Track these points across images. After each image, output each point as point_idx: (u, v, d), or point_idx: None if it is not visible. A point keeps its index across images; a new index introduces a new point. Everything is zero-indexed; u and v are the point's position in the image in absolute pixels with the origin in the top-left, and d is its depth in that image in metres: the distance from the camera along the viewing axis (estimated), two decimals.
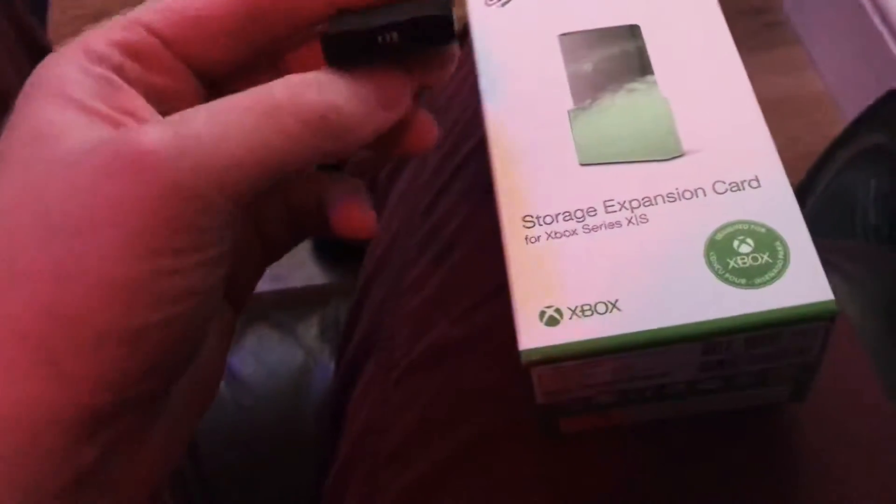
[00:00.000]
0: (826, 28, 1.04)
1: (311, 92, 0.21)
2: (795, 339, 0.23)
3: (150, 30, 0.23)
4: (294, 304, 0.46)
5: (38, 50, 0.44)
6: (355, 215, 0.25)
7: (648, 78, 0.27)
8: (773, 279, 0.22)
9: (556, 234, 0.24)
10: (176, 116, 0.21)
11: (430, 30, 0.23)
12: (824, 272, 0.23)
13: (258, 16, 0.23)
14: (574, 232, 0.24)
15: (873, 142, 0.70)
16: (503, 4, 0.29)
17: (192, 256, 0.20)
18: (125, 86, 0.22)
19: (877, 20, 0.95)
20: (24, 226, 0.19)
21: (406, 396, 0.32)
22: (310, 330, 0.45)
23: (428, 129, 0.25)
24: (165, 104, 0.23)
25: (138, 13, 0.23)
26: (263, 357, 0.43)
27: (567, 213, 0.24)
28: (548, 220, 0.24)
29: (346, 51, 0.23)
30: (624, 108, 0.26)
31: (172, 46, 0.23)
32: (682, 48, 0.27)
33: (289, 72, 0.25)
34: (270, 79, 0.24)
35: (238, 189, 0.20)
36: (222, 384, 0.42)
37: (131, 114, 0.21)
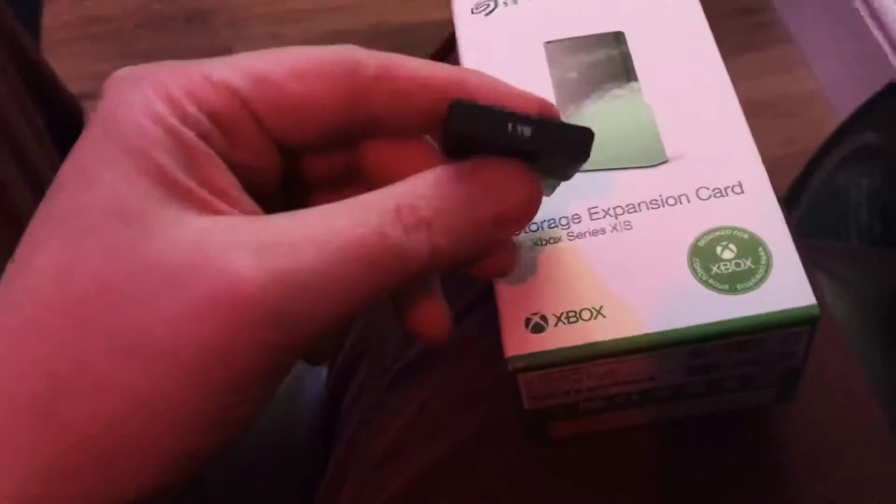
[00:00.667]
0: (818, 27, 1.04)
1: (421, 239, 0.20)
2: (779, 343, 0.23)
3: (243, 100, 0.20)
4: None
5: (28, 64, 0.44)
6: (434, 316, 0.24)
7: (633, 85, 0.27)
8: (756, 285, 0.23)
9: (541, 241, 0.24)
10: (277, 236, 0.19)
11: (568, 137, 0.20)
12: (810, 275, 0.23)
13: (358, 118, 0.21)
14: (559, 239, 0.24)
15: (865, 141, 0.70)
16: (489, 13, 0.29)
17: (258, 393, 0.19)
18: (215, 157, 0.20)
19: (868, 19, 0.95)
20: (103, 331, 0.18)
21: (397, 401, 0.32)
22: None
23: (438, 321, 0.24)
24: (245, 177, 0.21)
25: (229, 74, 0.20)
26: None
27: (552, 221, 0.25)
28: (533, 227, 0.25)
29: (471, 124, 0.20)
30: (608, 115, 0.27)
31: (262, 123, 0.21)
32: (665, 55, 0.28)
33: (370, 157, 0.23)
34: (350, 157, 0.23)
35: (323, 334, 0.19)
36: None
37: (221, 194, 0.20)
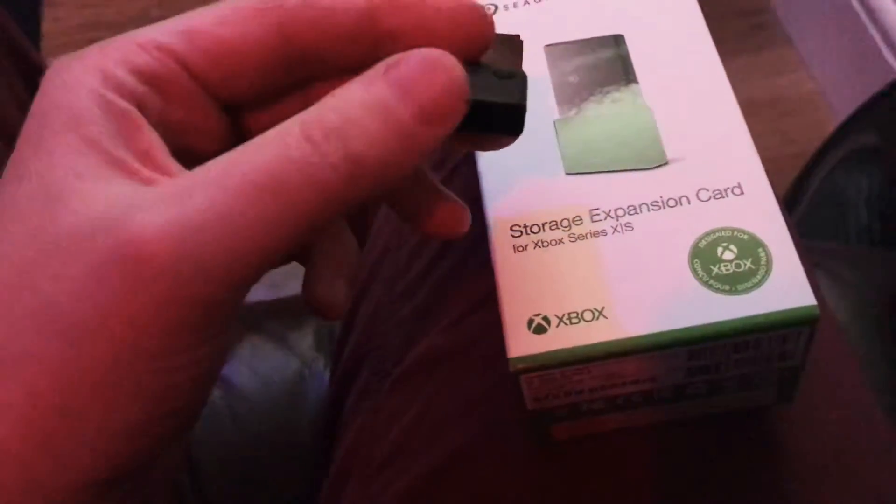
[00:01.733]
0: (816, 28, 1.05)
1: (332, 149, 0.19)
2: (779, 343, 0.23)
3: (175, 57, 0.21)
4: (288, 313, 0.46)
5: (31, 69, 0.44)
6: (321, 293, 0.24)
7: (633, 87, 0.27)
8: (756, 285, 0.23)
9: (543, 242, 0.25)
10: (178, 187, 0.18)
11: (501, 118, 0.21)
12: (810, 276, 0.23)
13: (292, 55, 0.21)
14: (560, 241, 0.24)
15: (864, 142, 0.70)
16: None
17: (191, 354, 0.19)
18: (146, 126, 0.20)
19: (866, 20, 0.95)
20: (25, 311, 0.18)
21: (398, 405, 0.32)
22: (304, 339, 0.45)
23: (458, 215, 0.24)
24: (184, 138, 0.21)
25: (159, 35, 0.21)
26: (258, 367, 0.43)
27: (553, 223, 0.25)
28: (535, 229, 0.25)
29: None
30: (609, 117, 0.27)
31: (198, 77, 0.21)
32: (665, 57, 0.28)
33: (320, 98, 0.23)
34: (302, 104, 0.22)
35: (246, 279, 0.19)
36: (217, 394, 0.42)
37: (151, 161, 0.20)
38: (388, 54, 0.21)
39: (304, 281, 0.25)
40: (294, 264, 0.27)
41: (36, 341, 0.18)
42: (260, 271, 0.19)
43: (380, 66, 0.20)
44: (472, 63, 0.21)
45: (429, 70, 0.19)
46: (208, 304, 0.18)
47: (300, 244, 0.19)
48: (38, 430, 0.18)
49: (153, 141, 0.20)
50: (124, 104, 0.20)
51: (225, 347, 0.20)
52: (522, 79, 0.21)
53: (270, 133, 0.19)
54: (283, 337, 0.45)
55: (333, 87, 0.22)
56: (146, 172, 0.19)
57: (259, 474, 0.41)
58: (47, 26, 0.94)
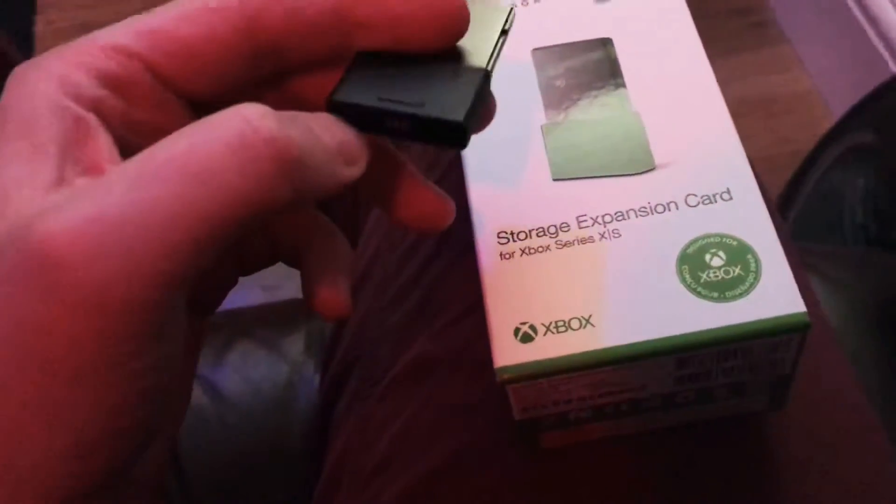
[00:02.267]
0: (812, 27, 1.04)
1: (261, 139, 0.18)
2: (769, 351, 0.23)
3: (135, 56, 0.20)
4: (278, 319, 0.46)
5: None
6: (326, 294, 0.23)
7: (621, 92, 0.27)
8: (745, 292, 0.23)
9: (529, 249, 0.24)
10: (95, 185, 0.17)
11: (442, 132, 0.21)
12: (803, 278, 0.23)
13: (260, 49, 0.21)
14: (547, 247, 0.24)
15: (860, 141, 0.70)
16: None
17: (133, 363, 0.17)
18: (100, 132, 0.19)
19: (862, 18, 0.95)
20: None
21: (388, 411, 0.32)
22: (295, 345, 0.45)
23: (440, 207, 0.24)
24: (150, 138, 0.20)
25: (118, 36, 0.20)
26: (248, 373, 0.43)
27: (540, 229, 0.25)
28: (521, 235, 0.25)
29: (350, 119, 0.21)
30: (596, 122, 0.26)
31: (160, 76, 0.20)
32: (654, 61, 0.27)
33: (295, 96, 0.23)
34: (273, 100, 0.22)
35: (179, 277, 0.17)
36: (207, 401, 0.42)
37: (96, 168, 0.19)
38: (360, 45, 0.21)
39: (304, 284, 0.24)
40: (285, 268, 0.27)
41: None
42: (195, 266, 0.18)
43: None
44: (436, 56, 0.21)
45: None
46: (138, 307, 0.17)
47: (236, 236, 0.18)
48: None
49: (104, 146, 0.19)
50: (78, 109, 0.19)
51: (175, 356, 0.19)
52: (480, 84, 0.21)
53: (193, 123, 0.18)
54: (273, 342, 0.44)
55: (307, 82, 0.23)
56: (87, 178, 0.19)
57: (249, 481, 0.41)
58: (40, 29, 0.94)
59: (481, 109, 0.22)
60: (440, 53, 0.21)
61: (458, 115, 0.20)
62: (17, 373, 0.17)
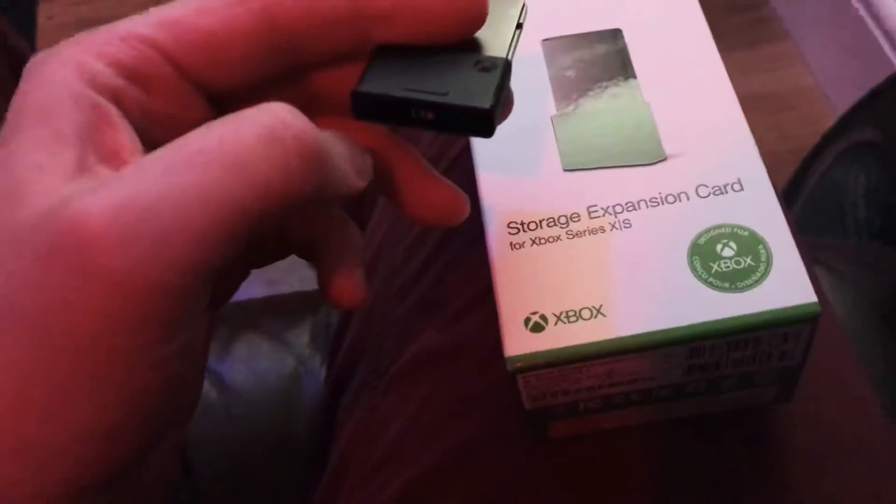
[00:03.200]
0: (814, 23, 1.04)
1: (291, 134, 0.18)
2: (779, 341, 0.23)
3: (154, 47, 0.20)
4: (284, 311, 0.46)
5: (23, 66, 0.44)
6: (343, 283, 0.24)
7: (631, 82, 0.27)
8: (756, 282, 0.23)
9: (540, 240, 0.24)
10: (126, 172, 0.18)
11: (469, 120, 0.21)
12: (811, 271, 0.23)
13: (279, 42, 0.21)
14: (558, 238, 0.24)
15: (863, 137, 0.70)
16: None
17: (159, 349, 0.18)
18: (119, 119, 0.20)
19: (864, 14, 0.95)
20: None
21: (394, 404, 0.32)
22: (300, 337, 0.45)
23: (454, 200, 0.24)
24: (169, 130, 0.20)
25: (140, 26, 0.20)
26: (254, 365, 0.43)
27: (551, 220, 0.25)
28: (532, 226, 0.25)
29: (375, 111, 0.21)
30: (607, 112, 0.26)
31: (180, 67, 0.20)
32: (664, 52, 0.27)
33: (313, 92, 0.23)
34: (292, 96, 0.22)
35: (203, 264, 0.17)
36: (213, 393, 0.42)
37: (114, 152, 0.19)
38: (378, 38, 0.21)
39: (320, 276, 0.24)
40: (290, 261, 0.27)
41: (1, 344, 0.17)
42: (223, 255, 0.18)
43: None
44: (454, 49, 0.21)
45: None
46: (168, 292, 0.17)
47: (262, 228, 0.18)
48: (10, 433, 0.17)
49: (123, 134, 0.19)
50: (97, 97, 0.19)
51: (196, 346, 0.19)
52: (503, 72, 0.21)
53: (228, 115, 0.19)
54: (279, 334, 0.44)
55: (325, 78, 0.23)
56: (108, 166, 0.19)
57: (255, 473, 0.41)
58: (42, 23, 0.94)
59: (503, 100, 0.22)
60: (458, 46, 0.21)
61: (486, 102, 0.20)
62: (48, 352, 0.17)
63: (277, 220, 0.19)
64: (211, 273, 0.18)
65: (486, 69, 0.21)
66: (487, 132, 0.21)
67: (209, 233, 0.17)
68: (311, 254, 0.25)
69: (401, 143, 0.24)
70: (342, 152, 0.20)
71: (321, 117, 0.22)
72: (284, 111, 0.19)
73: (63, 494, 0.18)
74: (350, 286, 0.24)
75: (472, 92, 0.21)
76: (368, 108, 0.21)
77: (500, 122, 0.23)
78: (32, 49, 0.62)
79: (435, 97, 0.20)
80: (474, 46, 0.22)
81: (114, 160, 0.19)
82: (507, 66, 0.21)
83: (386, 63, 0.21)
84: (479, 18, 0.21)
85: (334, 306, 0.24)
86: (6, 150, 0.19)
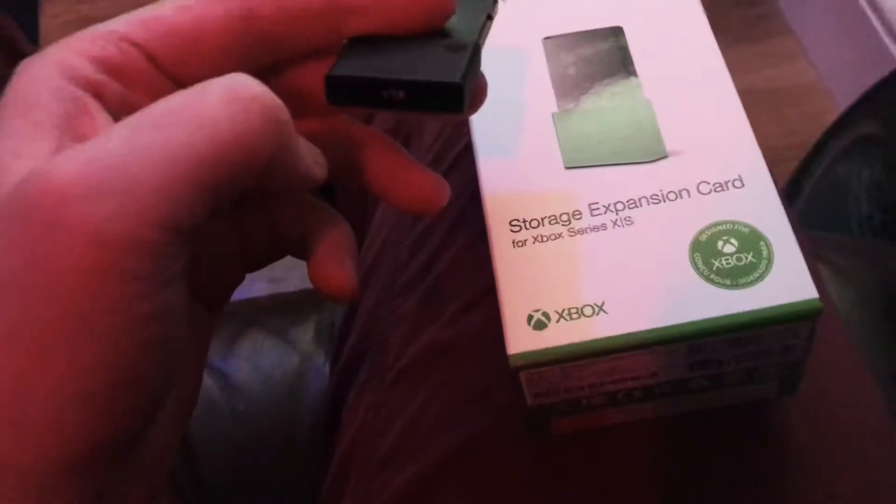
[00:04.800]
0: (818, 18, 1.04)
1: (250, 94, 0.19)
2: (781, 337, 0.23)
3: (134, 44, 0.21)
4: (288, 308, 0.46)
5: None
6: (332, 273, 0.24)
7: (632, 80, 0.27)
8: (757, 279, 0.23)
9: (542, 237, 0.24)
10: (97, 138, 0.19)
11: (439, 96, 0.21)
12: (813, 268, 0.23)
13: (254, 37, 0.22)
14: (560, 235, 0.24)
15: (866, 131, 0.70)
16: None
17: (137, 307, 0.18)
18: (95, 109, 0.20)
19: (868, 9, 0.95)
20: None
21: (400, 400, 0.32)
22: (305, 334, 0.45)
23: (432, 187, 0.24)
24: None
25: (119, 25, 0.21)
26: (258, 362, 0.43)
27: (553, 217, 0.25)
28: (534, 223, 0.25)
29: (348, 95, 0.22)
30: (608, 110, 0.26)
31: (159, 64, 0.21)
32: (665, 49, 0.27)
33: (289, 87, 0.23)
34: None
35: (174, 218, 0.18)
36: (217, 390, 0.42)
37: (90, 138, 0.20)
38: (351, 32, 0.22)
39: (310, 268, 0.25)
40: (294, 259, 0.27)
41: None
42: (192, 212, 0.18)
43: None
44: (425, 38, 0.22)
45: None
46: (137, 245, 0.18)
47: (229, 190, 0.19)
48: None
49: (102, 123, 0.20)
50: (76, 90, 0.20)
51: (178, 314, 0.19)
52: (472, 51, 0.22)
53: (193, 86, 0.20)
54: (283, 332, 0.45)
55: (302, 74, 0.24)
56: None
57: (259, 471, 0.41)
58: (45, 22, 0.94)
59: (474, 81, 0.22)
60: (429, 36, 0.22)
61: (455, 76, 0.21)
62: (23, 314, 0.17)
63: (242, 181, 0.19)
64: (181, 229, 0.18)
65: (454, 50, 0.22)
66: (458, 107, 0.21)
67: (176, 186, 0.18)
68: (303, 252, 0.25)
69: (379, 135, 0.25)
70: (302, 140, 0.21)
71: (298, 118, 0.23)
72: (245, 77, 0.19)
73: (57, 471, 0.18)
74: (339, 275, 0.24)
75: (442, 69, 0.21)
76: (341, 92, 0.22)
77: (474, 112, 0.24)
78: (36, 48, 0.62)
79: (405, 75, 0.21)
80: (444, 35, 0.22)
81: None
82: (476, 47, 0.22)
83: (358, 51, 0.22)
84: (447, 9, 0.22)
85: (326, 297, 0.25)
86: None
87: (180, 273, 0.19)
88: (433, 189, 0.25)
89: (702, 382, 0.25)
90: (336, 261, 0.25)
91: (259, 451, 0.41)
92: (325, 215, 0.26)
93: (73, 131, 0.20)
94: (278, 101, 0.20)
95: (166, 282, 0.19)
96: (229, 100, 0.19)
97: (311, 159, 0.22)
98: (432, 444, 0.30)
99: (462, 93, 0.21)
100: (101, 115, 0.21)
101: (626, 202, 0.24)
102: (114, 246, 0.17)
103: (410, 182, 0.25)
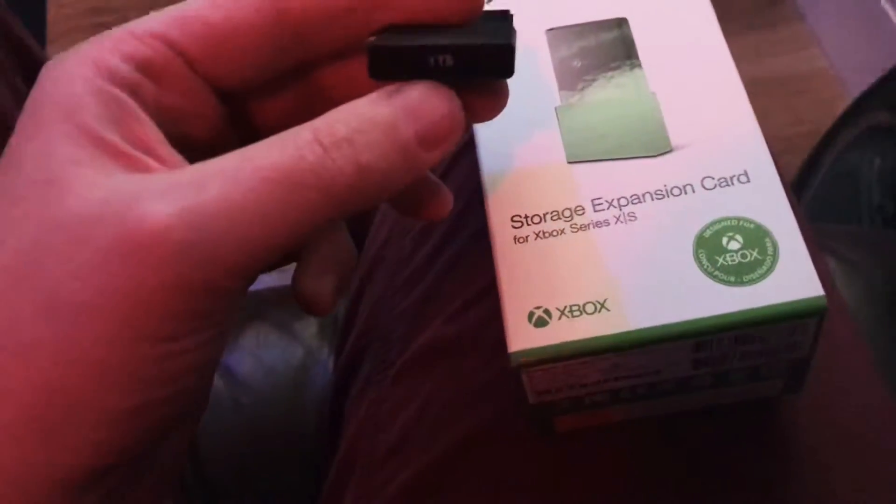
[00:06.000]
0: (829, 4, 1.03)
1: (342, 155, 0.19)
2: (787, 335, 0.23)
3: (169, 43, 0.21)
4: (292, 302, 0.46)
5: (34, 66, 0.44)
6: (308, 289, 0.24)
7: (636, 72, 0.27)
8: (762, 276, 0.22)
9: (544, 233, 0.24)
10: (189, 177, 0.19)
11: (489, 59, 0.21)
12: (819, 259, 0.23)
13: (285, 34, 0.21)
14: (562, 231, 0.24)
15: (877, 120, 0.69)
16: (487, 1, 0.29)
17: (191, 339, 0.19)
18: (140, 113, 0.20)
19: None
20: (27, 296, 0.18)
21: (402, 395, 0.32)
22: (308, 328, 0.45)
23: (442, 200, 0.24)
24: (181, 125, 0.21)
25: (152, 23, 0.21)
26: (262, 356, 0.43)
27: (555, 213, 0.24)
28: (536, 219, 0.24)
29: (393, 67, 0.21)
30: (612, 103, 0.26)
31: (192, 63, 0.21)
32: (670, 42, 0.27)
33: (320, 89, 0.23)
34: (300, 94, 0.23)
35: (248, 270, 0.19)
36: (221, 383, 0.42)
37: (146, 147, 0.20)
38: (380, 24, 0.22)
39: (293, 275, 0.24)
40: None
41: (37, 325, 0.18)
42: (263, 264, 0.19)
43: (386, 89, 0.21)
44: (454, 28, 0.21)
45: (429, 98, 0.21)
46: (213, 291, 0.19)
47: (299, 243, 0.20)
48: (37, 415, 0.18)
49: (148, 127, 0.20)
50: (117, 92, 0.20)
51: (225, 337, 0.20)
52: (509, 20, 0.22)
53: (281, 135, 0.20)
54: (287, 325, 0.44)
55: (332, 74, 0.23)
56: (142, 159, 0.20)
57: (262, 463, 0.41)
58: (52, 13, 0.94)
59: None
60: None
61: (505, 39, 0.21)
62: (90, 336, 0.18)
63: (311, 236, 0.20)
64: (249, 279, 0.20)
65: (494, 21, 0.21)
66: (508, 71, 0.21)
67: (258, 243, 0.19)
68: (294, 256, 0.25)
69: None
70: (403, 143, 0.21)
71: None
72: (334, 145, 0.20)
73: (85, 478, 0.19)
74: (315, 291, 0.24)
75: (489, 35, 0.21)
76: (385, 62, 0.21)
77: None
78: (41, 40, 0.62)
79: (454, 40, 0.21)
80: (474, 23, 0.22)
81: (143, 151, 0.20)
82: (511, 17, 0.22)
83: (393, 31, 0.21)
84: (474, 9, 0.21)
85: (301, 308, 0.25)
86: (31, 144, 0.19)
87: (238, 306, 0.20)
88: (437, 200, 0.24)
89: (706, 380, 0.24)
90: (315, 275, 0.24)
91: (263, 444, 0.41)
92: (328, 239, 0.25)
93: (123, 136, 0.20)
94: (368, 163, 0.20)
95: (229, 316, 0.20)
96: (319, 171, 0.19)
97: (424, 148, 0.21)
98: (435, 439, 0.30)
99: (513, 55, 0.21)
100: (144, 118, 0.20)
101: (629, 197, 0.24)
102: (192, 293, 0.18)
103: (416, 191, 0.24)
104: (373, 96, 0.21)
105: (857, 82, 0.91)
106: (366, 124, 0.20)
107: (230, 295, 0.19)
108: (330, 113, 0.20)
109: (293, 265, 0.25)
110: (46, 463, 0.18)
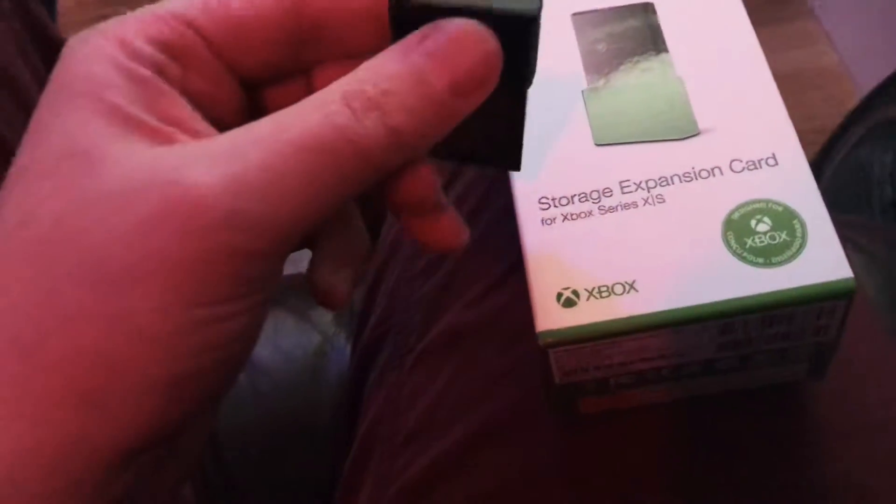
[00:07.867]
0: (839, 0, 1.03)
1: (372, 119, 0.19)
2: (814, 317, 0.23)
3: (192, 26, 0.21)
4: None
5: (48, 43, 0.44)
6: (324, 282, 0.24)
7: (663, 56, 0.27)
8: (791, 258, 0.22)
9: (571, 215, 0.24)
10: (227, 146, 0.19)
11: (516, 26, 0.20)
12: (844, 248, 0.23)
13: (304, 24, 0.21)
14: (590, 213, 0.24)
15: (888, 116, 0.69)
16: None
17: (236, 305, 0.19)
18: (169, 89, 0.20)
19: None
20: (67, 265, 0.18)
21: (421, 381, 0.32)
22: (325, 315, 0.45)
23: (455, 231, 0.23)
24: (202, 107, 0.21)
25: (177, 5, 0.21)
26: (280, 342, 0.43)
27: (583, 195, 0.24)
28: (563, 201, 0.24)
29: (415, 27, 0.20)
30: (639, 87, 0.26)
31: (215, 47, 0.21)
32: (697, 26, 0.27)
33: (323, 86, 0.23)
34: (301, 85, 0.23)
35: (291, 235, 0.19)
36: None
37: (177, 123, 0.20)
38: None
39: (308, 265, 0.24)
40: None
41: (81, 293, 0.18)
42: (303, 230, 0.20)
43: (414, 37, 0.20)
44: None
45: (462, 41, 0.20)
46: (256, 257, 0.19)
47: (337, 208, 0.20)
48: (84, 385, 0.18)
49: (176, 102, 0.20)
50: (145, 71, 0.20)
51: (266, 305, 0.21)
52: None
53: (310, 100, 0.20)
54: (304, 312, 0.44)
55: (337, 71, 0.22)
56: (173, 133, 0.20)
57: (281, 450, 0.41)
58: (63, 1, 0.94)
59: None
60: None
61: (531, 6, 0.20)
62: (136, 304, 0.18)
63: (347, 201, 0.20)
64: (290, 245, 0.20)
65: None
66: (534, 37, 0.20)
67: (297, 212, 0.19)
68: (310, 244, 0.25)
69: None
70: (435, 96, 0.20)
71: None
72: (364, 108, 0.19)
73: (123, 456, 0.19)
74: (330, 283, 0.24)
75: (515, 3, 0.20)
76: (408, 23, 0.20)
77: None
78: (52, 18, 0.62)
79: (480, 3, 0.20)
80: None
81: (181, 127, 0.20)
82: None
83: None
84: None
85: (314, 300, 0.24)
86: (59, 120, 0.19)
87: (279, 271, 0.20)
88: (454, 236, 0.23)
89: (732, 363, 0.25)
90: (331, 268, 0.24)
91: (281, 429, 0.41)
92: (344, 212, 0.25)
93: (153, 112, 0.20)
94: (401, 126, 0.20)
95: (273, 281, 0.20)
96: (353, 138, 0.19)
97: (458, 95, 0.20)
98: (454, 424, 0.30)
99: (538, 23, 0.20)
100: (175, 96, 0.20)
101: (657, 180, 0.24)
102: (238, 258, 0.19)
103: (435, 226, 0.23)
104: (397, 48, 0.20)
105: (868, 78, 0.91)
106: (393, 83, 0.19)
107: (272, 261, 0.19)
108: (359, 70, 0.20)
109: (305, 252, 0.25)
110: (88, 437, 0.18)
